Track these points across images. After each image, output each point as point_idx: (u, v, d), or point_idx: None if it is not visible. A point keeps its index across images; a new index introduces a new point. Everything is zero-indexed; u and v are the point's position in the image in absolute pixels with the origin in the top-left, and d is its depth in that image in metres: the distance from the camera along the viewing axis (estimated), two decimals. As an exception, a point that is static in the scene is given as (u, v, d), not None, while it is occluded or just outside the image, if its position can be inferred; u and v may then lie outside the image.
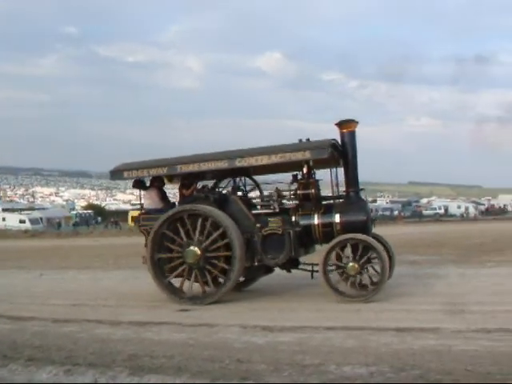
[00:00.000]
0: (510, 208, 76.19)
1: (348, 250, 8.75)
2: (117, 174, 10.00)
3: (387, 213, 70.40)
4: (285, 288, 10.13)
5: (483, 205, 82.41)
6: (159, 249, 9.20)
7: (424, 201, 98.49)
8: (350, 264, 8.56)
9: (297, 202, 9.32)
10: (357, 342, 6.05)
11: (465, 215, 65.14)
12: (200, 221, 9.00)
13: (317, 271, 9.23)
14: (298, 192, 9.18)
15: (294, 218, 9.05)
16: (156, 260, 9.18)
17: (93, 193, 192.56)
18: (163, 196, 10.21)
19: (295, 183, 9.36)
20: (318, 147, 8.87)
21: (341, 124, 9.23)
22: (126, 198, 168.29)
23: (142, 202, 10.15)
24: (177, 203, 10.11)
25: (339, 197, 9.47)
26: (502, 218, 53.34)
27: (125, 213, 74.13)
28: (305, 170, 9.15)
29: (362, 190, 9.43)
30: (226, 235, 8.87)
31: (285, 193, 9.45)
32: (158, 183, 10.18)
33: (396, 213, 68.57)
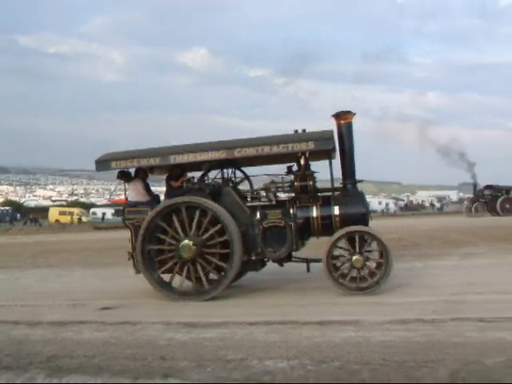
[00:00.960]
0: (427, 204, 79.43)
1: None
2: (103, 164, 9.35)
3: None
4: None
5: (403, 201, 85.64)
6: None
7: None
8: (355, 257, 8.44)
9: (292, 194, 9.22)
10: (279, 336, 6.13)
11: (385, 211, 67.31)
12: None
13: (312, 261, 9.34)
14: (296, 184, 9.02)
15: (292, 211, 8.96)
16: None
17: (11, 188, 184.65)
18: (147, 188, 9.88)
19: (290, 175, 9.22)
20: (322, 138, 8.75)
21: (338, 115, 9.15)
22: (46, 194, 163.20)
23: (127, 194, 9.73)
24: (162, 195, 9.84)
25: (335, 189, 9.34)
26: (419, 214, 55.69)
27: (45, 209, 71.91)
28: (302, 161, 9.04)
29: (360, 181, 9.38)
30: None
31: (279, 184, 9.27)
32: (141, 174, 9.82)
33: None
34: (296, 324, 6.64)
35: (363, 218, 8.98)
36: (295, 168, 9.17)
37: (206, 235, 8.72)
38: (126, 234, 9.50)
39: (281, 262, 9.31)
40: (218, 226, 8.66)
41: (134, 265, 9.20)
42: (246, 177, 10.30)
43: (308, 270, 9.45)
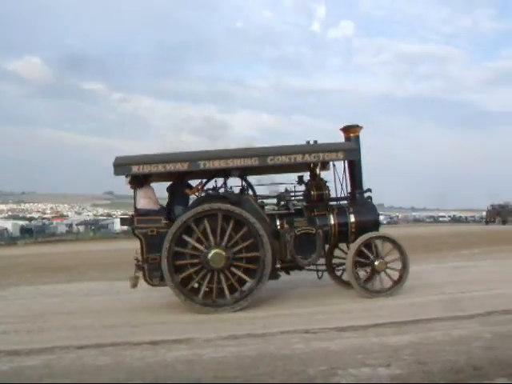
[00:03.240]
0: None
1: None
2: (123, 167, 8.63)
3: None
4: (33, 307, 9.52)
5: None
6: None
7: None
8: (378, 262, 8.90)
9: (305, 203, 9.38)
10: (110, 358, 5.93)
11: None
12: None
13: (322, 270, 9.81)
14: (312, 193, 9.27)
15: (315, 219, 9.17)
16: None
17: None
18: None
19: (302, 184, 9.56)
20: (351, 149, 9.12)
21: (347, 128, 9.56)
22: None
23: (137, 201, 8.95)
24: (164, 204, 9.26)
25: (344, 198, 9.65)
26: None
27: None
28: (318, 171, 9.42)
29: (368, 190, 9.70)
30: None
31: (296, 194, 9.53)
32: (149, 181, 9.10)
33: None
34: (128, 345, 6.48)
35: (376, 224, 9.49)
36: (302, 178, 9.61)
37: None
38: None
39: (286, 269, 9.28)
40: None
41: (144, 277, 8.71)
42: (250, 186, 9.73)
43: (319, 277, 9.83)
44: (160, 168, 8.68)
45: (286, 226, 9.03)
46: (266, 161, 8.76)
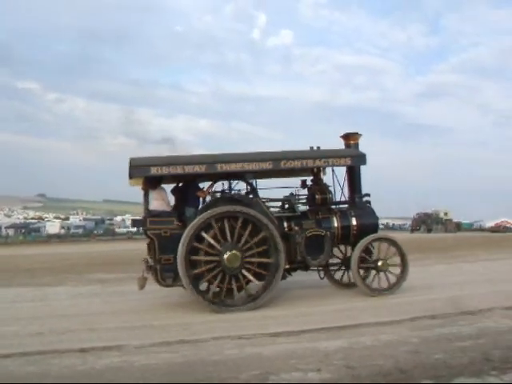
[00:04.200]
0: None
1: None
2: (141, 169, 8.63)
3: (80, 230, 69.64)
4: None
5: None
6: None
7: (118, 219, 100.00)
8: (381, 262, 9.53)
9: (308, 206, 9.70)
10: (37, 367, 5.71)
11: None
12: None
13: (321, 269, 9.97)
14: (317, 197, 9.53)
15: (322, 222, 9.46)
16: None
17: None
18: None
19: (305, 188, 9.86)
20: (358, 155, 9.41)
21: (348, 136, 9.87)
22: None
23: (150, 203, 8.95)
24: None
25: (344, 202, 10.01)
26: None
27: None
28: (322, 175, 9.69)
29: (367, 195, 10.01)
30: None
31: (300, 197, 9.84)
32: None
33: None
34: (56, 353, 6.26)
35: (375, 227, 9.90)
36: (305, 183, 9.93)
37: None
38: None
39: (288, 270, 9.32)
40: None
41: (156, 278, 8.77)
42: (253, 189, 9.58)
43: (321, 277, 10.18)
44: (179, 170, 8.69)
45: (295, 228, 9.27)
46: (279, 165, 9.00)
